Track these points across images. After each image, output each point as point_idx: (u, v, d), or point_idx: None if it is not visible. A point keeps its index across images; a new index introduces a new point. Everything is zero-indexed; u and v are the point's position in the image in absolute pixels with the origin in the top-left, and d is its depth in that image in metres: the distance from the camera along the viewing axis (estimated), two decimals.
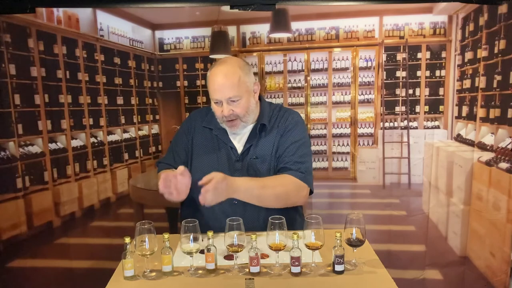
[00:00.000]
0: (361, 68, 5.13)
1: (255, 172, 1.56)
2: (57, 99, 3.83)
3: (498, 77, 3.20)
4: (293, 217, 1.57)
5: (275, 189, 1.50)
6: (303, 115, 5.13)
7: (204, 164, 1.58)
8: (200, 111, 1.72)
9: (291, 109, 1.68)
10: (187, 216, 1.39)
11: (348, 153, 5.25)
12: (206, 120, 1.64)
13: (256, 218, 1.51)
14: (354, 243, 1.30)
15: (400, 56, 4.95)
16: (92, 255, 3.37)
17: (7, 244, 3.08)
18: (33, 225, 3.38)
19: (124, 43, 4.85)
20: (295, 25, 5.05)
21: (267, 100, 1.70)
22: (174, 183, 1.38)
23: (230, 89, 1.47)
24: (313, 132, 5.30)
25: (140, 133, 5.09)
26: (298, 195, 1.54)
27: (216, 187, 1.34)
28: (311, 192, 1.60)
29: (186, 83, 5.31)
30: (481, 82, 3.55)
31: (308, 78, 5.21)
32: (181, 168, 1.40)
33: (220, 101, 1.49)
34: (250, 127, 1.60)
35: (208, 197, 1.33)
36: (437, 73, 4.92)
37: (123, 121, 4.79)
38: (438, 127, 4.96)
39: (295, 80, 5.29)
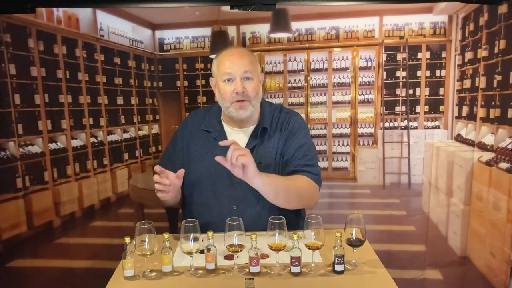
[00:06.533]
0: (361, 68, 5.13)
1: None
2: (57, 99, 3.83)
3: (498, 77, 3.20)
4: (294, 221, 1.54)
5: (296, 184, 1.46)
6: (303, 115, 5.13)
7: (201, 168, 1.54)
8: (196, 115, 1.68)
9: (292, 111, 1.65)
10: (188, 217, 1.37)
11: (348, 153, 5.25)
12: (204, 123, 1.60)
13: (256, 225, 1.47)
14: (354, 243, 1.30)
15: (400, 56, 4.95)
16: (92, 255, 3.37)
17: (7, 244, 3.08)
18: (33, 225, 3.38)
19: (124, 43, 4.84)
20: (295, 25, 5.05)
21: (267, 100, 1.66)
22: (170, 182, 1.38)
23: (246, 64, 1.48)
24: (313, 132, 5.29)
25: (140, 133, 5.08)
26: (313, 196, 1.53)
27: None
28: None
29: (186, 83, 5.31)
30: (481, 82, 3.55)
31: (308, 78, 5.21)
32: (182, 171, 1.40)
33: (233, 78, 1.47)
34: (249, 130, 1.56)
35: (241, 159, 1.29)
36: (437, 73, 4.92)
37: (123, 121, 4.79)
38: (438, 127, 4.95)
39: (295, 80, 5.29)
